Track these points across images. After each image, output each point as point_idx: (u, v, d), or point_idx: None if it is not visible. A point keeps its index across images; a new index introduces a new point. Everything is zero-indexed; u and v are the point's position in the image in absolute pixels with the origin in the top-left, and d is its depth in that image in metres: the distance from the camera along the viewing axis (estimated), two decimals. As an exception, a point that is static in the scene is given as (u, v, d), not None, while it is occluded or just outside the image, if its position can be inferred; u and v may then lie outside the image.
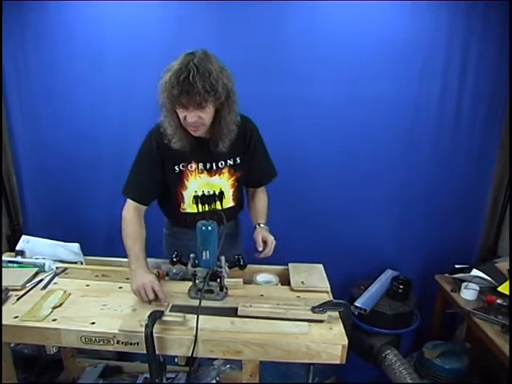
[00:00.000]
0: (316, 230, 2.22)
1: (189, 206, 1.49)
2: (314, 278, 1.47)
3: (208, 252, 1.25)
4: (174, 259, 1.30)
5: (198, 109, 1.22)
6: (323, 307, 1.21)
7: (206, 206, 1.50)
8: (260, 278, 1.51)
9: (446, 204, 2.18)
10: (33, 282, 1.37)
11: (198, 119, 1.25)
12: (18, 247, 1.58)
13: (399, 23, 1.92)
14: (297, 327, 1.16)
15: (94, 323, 1.15)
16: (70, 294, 1.30)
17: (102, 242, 2.18)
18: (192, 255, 1.29)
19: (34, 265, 1.48)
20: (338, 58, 1.97)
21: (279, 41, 1.96)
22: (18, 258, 1.53)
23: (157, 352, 1.11)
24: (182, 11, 1.93)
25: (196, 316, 1.11)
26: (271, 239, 1.49)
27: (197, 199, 1.48)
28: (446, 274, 1.97)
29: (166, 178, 1.43)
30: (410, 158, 2.12)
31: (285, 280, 1.52)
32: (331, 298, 1.38)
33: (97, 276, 1.42)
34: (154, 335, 1.09)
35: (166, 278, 1.46)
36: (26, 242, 1.59)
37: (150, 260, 1.54)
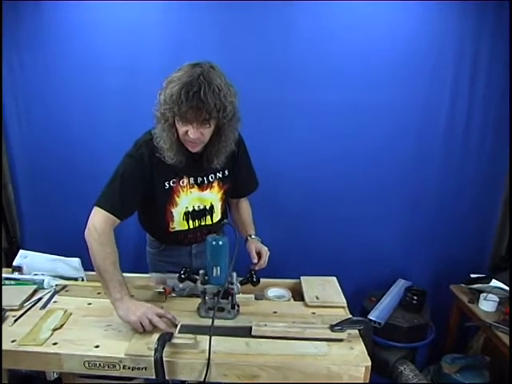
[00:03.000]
0: (325, 241, 2.15)
1: (179, 224, 1.42)
2: (328, 292, 1.40)
3: (219, 268, 1.17)
4: (183, 276, 1.22)
5: (202, 125, 1.15)
6: (342, 325, 1.13)
7: (197, 221, 1.43)
8: (271, 292, 1.44)
9: (457, 212, 2.11)
10: (31, 300, 1.29)
11: (200, 136, 1.18)
12: (15, 263, 1.50)
13: (408, 27, 1.87)
14: (316, 348, 1.08)
15: (97, 346, 1.07)
16: (70, 314, 1.22)
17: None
18: (201, 271, 1.22)
19: (33, 281, 1.40)
20: (345, 63, 1.92)
21: (284, 45, 1.90)
22: (16, 275, 1.44)
23: (167, 377, 1.03)
24: (183, 13, 1.86)
25: (208, 337, 1.03)
26: (265, 250, 1.44)
27: (187, 215, 1.40)
28: (462, 284, 1.90)
29: (150, 194, 1.32)
30: (419, 166, 2.06)
31: (297, 294, 1.45)
32: (348, 313, 1.31)
33: (99, 293, 1.33)
34: (164, 359, 1.01)
35: (173, 295, 1.38)
36: (23, 257, 1.51)
37: (154, 275, 1.48)
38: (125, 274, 1.48)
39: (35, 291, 1.34)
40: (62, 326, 1.15)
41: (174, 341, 1.05)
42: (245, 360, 1.04)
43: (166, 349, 1.03)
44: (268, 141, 2.02)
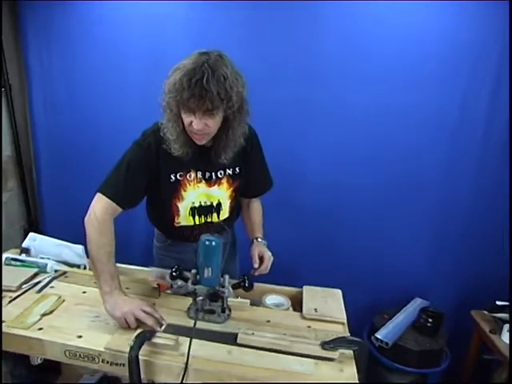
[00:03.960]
0: (339, 249, 2.06)
1: (184, 219, 1.38)
2: (329, 305, 1.32)
3: (210, 269, 1.13)
4: (174, 273, 1.19)
5: (206, 116, 1.10)
6: (335, 343, 1.05)
7: (203, 217, 1.39)
8: (270, 300, 1.38)
9: (487, 232, 1.94)
10: (30, 283, 1.31)
11: (205, 127, 1.13)
12: (24, 244, 1.53)
13: (444, 26, 1.72)
14: (302, 365, 1.01)
15: (80, 337, 1.06)
16: (63, 301, 1.22)
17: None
18: (193, 271, 1.18)
19: (37, 265, 1.42)
20: (375, 63, 1.80)
21: (311, 43, 1.82)
22: (23, 256, 1.48)
23: (142, 377, 1.00)
24: (208, 12, 1.84)
25: (193, 340, 1.00)
26: (268, 255, 1.38)
27: (194, 211, 1.36)
28: (485, 311, 1.74)
29: (156, 186, 1.30)
30: (451, 174, 1.90)
31: (297, 304, 1.37)
32: (346, 331, 1.22)
33: (95, 282, 1.33)
34: (141, 358, 0.98)
35: (168, 292, 1.35)
36: (32, 240, 1.54)
37: (154, 269, 1.46)
38: (126, 266, 1.50)
39: (36, 274, 1.36)
40: (51, 311, 1.16)
41: (155, 340, 1.02)
42: (224, 369, 0.99)
43: (145, 347, 1.00)
44: (289, 141, 1.96)
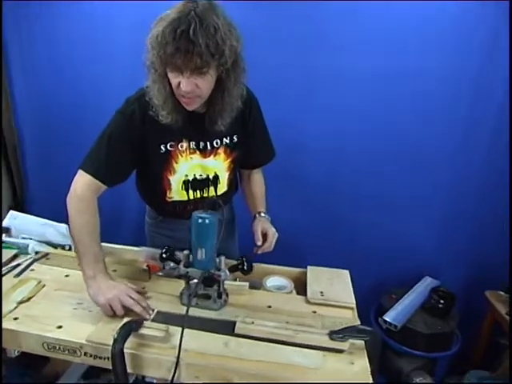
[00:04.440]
0: (345, 224, 1.93)
1: (177, 194, 1.25)
2: (336, 288, 1.20)
3: (204, 250, 1.00)
4: (164, 255, 1.07)
5: (196, 74, 0.95)
6: (345, 333, 0.94)
7: (198, 192, 1.26)
8: (271, 282, 1.26)
9: (501, 209, 1.79)
10: (8, 266, 1.19)
11: (195, 88, 0.98)
12: (4, 223, 1.41)
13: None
14: (306, 357, 0.90)
15: (60, 327, 0.95)
16: (43, 286, 1.11)
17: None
18: (185, 252, 1.06)
19: (17, 245, 1.30)
20: (382, 23, 1.62)
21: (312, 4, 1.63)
22: (3, 237, 1.36)
23: (129, 371, 0.90)
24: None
25: (186, 330, 0.89)
26: (272, 231, 1.26)
27: (187, 184, 1.23)
28: (501, 292, 1.63)
29: (144, 158, 1.16)
30: (463, 151, 1.75)
31: (301, 286, 1.26)
32: (356, 316, 1.11)
33: (80, 261, 1.21)
34: (127, 351, 0.87)
35: (160, 274, 1.24)
36: (13, 219, 1.41)
37: (145, 249, 1.34)
38: (114, 246, 1.38)
39: (15, 256, 1.25)
40: (30, 298, 1.04)
41: (143, 331, 0.91)
42: (220, 363, 0.88)
43: (131, 339, 0.89)
44: (291, 109, 1.80)
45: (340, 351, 0.94)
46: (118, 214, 1.98)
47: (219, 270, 1.03)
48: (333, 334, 0.94)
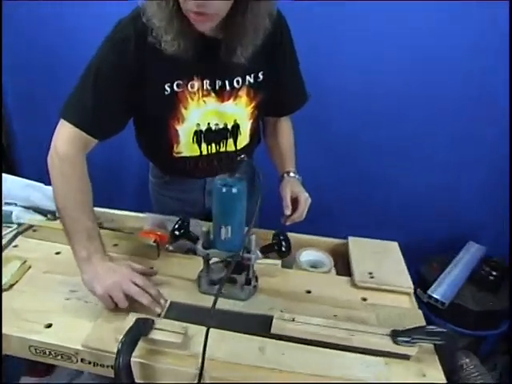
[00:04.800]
0: (371, 180, 1.68)
1: (187, 148, 1.00)
2: (387, 266, 0.98)
3: (230, 228, 0.77)
4: (177, 232, 0.83)
5: None
6: (412, 335, 0.73)
7: (213, 145, 1.01)
8: (305, 256, 1.04)
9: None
10: (-14, 241, 0.98)
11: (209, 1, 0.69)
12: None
13: None
14: (368, 368, 0.70)
15: (50, 326, 0.75)
16: (29, 268, 0.89)
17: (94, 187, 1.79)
18: (204, 229, 0.83)
19: (-2, 213, 1.08)
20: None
21: None
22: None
23: (140, 381, 0.71)
24: None
25: (205, 331, 0.68)
26: (305, 197, 1.02)
27: (199, 136, 0.98)
28: None
29: (143, 101, 0.89)
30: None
31: (340, 261, 1.05)
32: (414, 303, 0.90)
33: (69, 239, 0.99)
34: (134, 360, 0.67)
35: (170, 248, 1.02)
36: (-8, 180, 1.18)
37: (151, 216, 1.12)
38: (112, 212, 1.15)
39: (-5, 227, 1.03)
40: (12, 285, 0.83)
41: (153, 336, 0.70)
42: (254, 376, 0.68)
43: (141, 344, 0.69)
44: (319, 52, 1.47)
45: (405, 357, 0.73)
46: (114, 170, 1.72)
47: (249, 251, 0.81)
48: (397, 337, 0.73)
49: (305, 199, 1.03)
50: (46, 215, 1.11)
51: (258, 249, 0.81)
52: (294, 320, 0.76)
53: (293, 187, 1.04)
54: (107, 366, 0.71)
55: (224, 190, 0.73)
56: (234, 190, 0.73)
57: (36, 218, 1.08)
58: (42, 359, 0.73)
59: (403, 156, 1.64)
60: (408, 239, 1.70)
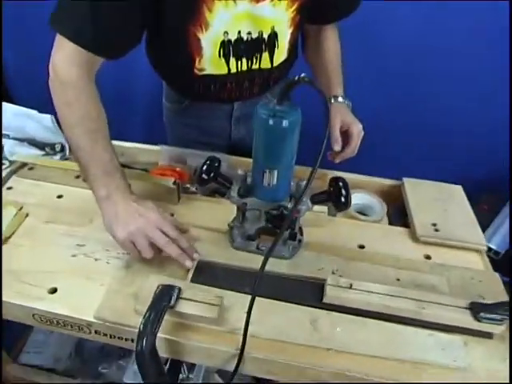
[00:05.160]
0: (414, 102, 1.45)
1: (212, 64, 0.80)
2: (453, 216, 0.82)
3: (276, 173, 0.59)
4: (205, 176, 0.66)
5: None
6: (498, 310, 0.59)
7: (245, 60, 0.80)
8: (353, 200, 0.87)
9: None
10: (-25, 181, 0.82)
11: None
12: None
13: None
14: (444, 350, 0.57)
15: (55, 291, 0.62)
16: (26, 216, 0.75)
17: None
18: (240, 172, 0.65)
19: (-13, 146, 0.91)
20: None
21: None
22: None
23: (166, 356, 0.59)
24: None
25: (243, 300, 0.55)
26: (358, 129, 0.83)
27: (227, 48, 0.77)
28: None
29: (158, 7, 0.67)
30: None
31: (391, 207, 0.88)
32: (487, 263, 0.75)
33: (78, 177, 0.83)
34: (161, 336, 0.55)
35: (193, 189, 0.86)
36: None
37: (166, 149, 0.94)
38: (121, 144, 0.97)
39: (-16, 164, 0.87)
40: (8, 238, 0.69)
41: (182, 309, 0.56)
42: (307, 358, 0.55)
43: (166, 317, 0.56)
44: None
45: (487, 336, 0.60)
46: (121, 94, 1.48)
47: (296, 202, 0.63)
48: (479, 311, 0.59)
49: (358, 131, 0.84)
50: (43, 149, 0.95)
51: (309, 198, 0.64)
52: (351, 287, 0.61)
53: (343, 116, 0.84)
54: (126, 339, 0.59)
55: (271, 122, 0.54)
56: (285, 123, 0.54)
57: (32, 153, 0.92)
58: (50, 328, 0.62)
59: (449, 82, 1.40)
60: (452, 175, 1.52)
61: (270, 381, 0.65)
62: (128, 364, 0.91)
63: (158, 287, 0.57)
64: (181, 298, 0.57)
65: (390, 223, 0.85)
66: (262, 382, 0.90)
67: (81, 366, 0.94)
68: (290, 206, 0.63)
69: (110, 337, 0.60)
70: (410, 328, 0.59)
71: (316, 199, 0.64)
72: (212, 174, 0.65)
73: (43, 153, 0.94)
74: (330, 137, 0.83)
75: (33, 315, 0.60)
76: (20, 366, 0.95)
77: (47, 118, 0.93)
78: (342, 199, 0.62)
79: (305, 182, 0.61)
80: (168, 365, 0.63)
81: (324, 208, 0.81)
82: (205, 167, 0.65)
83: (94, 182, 0.65)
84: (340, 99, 0.87)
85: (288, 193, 0.63)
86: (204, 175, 0.65)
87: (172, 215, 0.77)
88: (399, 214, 0.89)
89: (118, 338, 0.59)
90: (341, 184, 0.62)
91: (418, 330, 0.59)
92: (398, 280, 0.67)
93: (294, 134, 0.55)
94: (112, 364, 0.92)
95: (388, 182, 0.94)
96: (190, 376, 0.78)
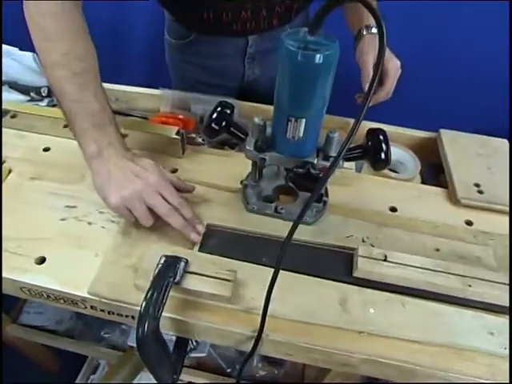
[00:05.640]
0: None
1: None
2: (498, 176, 0.71)
3: (303, 122, 0.48)
4: (215, 125, 0.54)
5: None
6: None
7: None
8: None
9: None
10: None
11: None
12: None
13: None
14: (493, 335, 0.49)
15: (42, 261, 0.53)
16: (9, 172, 0.65)
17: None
18: (257, 120, 0.53)
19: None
20: None
21: None
22: None
23: (172, 333, 0.52)
24: None
25: (261, 275, 0.48)
26: (395, 66, 0.71)
27: None
28: None
29: None
30: None
31: (424, 163, 0.77)
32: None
33: (66, 126, 0.72)
34: (166, 316, 0.48)
35: (199, 140, 0.75)
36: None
37: (168, 93, 0.82)
38: (117, 87, 0.84)
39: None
40: (-14, 197, 0.60)
41: (189, 285, 0.48)
42: (335, 342, 0.48)
43: (172, 294, 0.48)
44: None
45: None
46: (114, 29, 1.31)
47: (326, 156, 0.53)
48: (537, 289, 0.50)
49: (395, 69, 0.71)
50: (28, 94, 0.82)
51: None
52: (386, 259, 0.52)
53: (376, 50, 0.71)
54: (126, 316, 0.52)
55: (301, 56, 0.41)
56: (319, 59, 0.41)
57: (15, 99, 0.80)
58: (42, 301, 0.54)
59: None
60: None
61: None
62: (131, 329, 0.86)
63: (160, 258, 0.49)
64: (188, 271, 0.49)
65: (423, 183, 0.75)
66: None
67: (83, 329, 0.90)
68: (317, 162, 0.52)
69: (109, 313, 0.52)
70: (452, 308, 0.51)
71: (349, 155, 0.53)
72: (224, 123, 0.54)
73: (28, 98, 0.82)
74: (361, 75, 0.70)
75: (21, 288, 0.53)
76: (20, 326, 0.91)
77: (27, 56, 0.81)
78: (382, 155, 0.51)
79: (337, 134, 0.50)
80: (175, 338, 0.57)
81: (351, 164, 0.70)
82: (215, 115, 0.53)
83: (81, 137, 0.54)
84: (374, 30, 0.73)
85: (315, 147, 0.53)
86: (214, 125, 0.53)
87: (175, 171, 0.67)
88: (432, 173, 0.79)
89: (118, 314, 0.52)
90: (381, 137, 0.51)
91: (462, 311, 0.51)
92: (438, 250, 0.58)
93: (330, 72, 0.43)
94: (115, 329, 0.88)
95: (421, 133, 0.82)
96: (198, 346, 0.74)
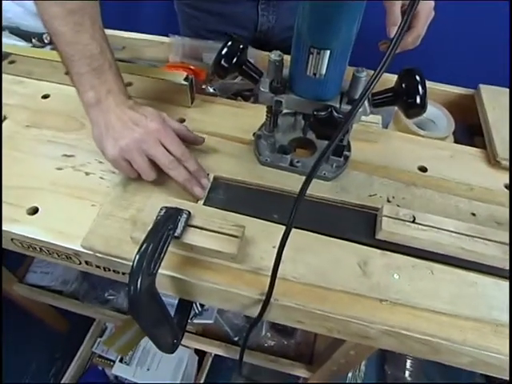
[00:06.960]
0: None
1: None
2: (546, 135, 0.62)
3: (327, 55, 0.40)
4: (225, 62, 0.47)
5: None
6: None
7: None
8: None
9: None
10: None
11: None
12: None
13: None
14: (538, 308, 0.43)
15: (35, 212, 0.49)
16: (5, 118, 0.60)
17: None
18: (273, 56, 0.45)
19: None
20: None
21: None
22: None
23: (171, 294, 0.48)
24: None
25: (272, 232, 0.43)
26: (427, 6, 0.63)
27: None
28: None
29: None
30: None
31: (459, 121, 0.69)
32: None
33: (68, 73, 0.66)
34: (164, 273, 0.43)
35: (209, 89, 0.69)
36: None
37: (178, 39, 0.75)
38: (121, 34, 0.78)
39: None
40: (-20, 143, 0.56)
41: (191, 240, 0.43)
42: (354, 311, 0.42)
43: (172, 248, 0.43)
44: None
45: None
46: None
47: (351, 100, 0.46)
48: None
49: (427, 10, 0.62)
50: (30, 40, 0.77)
51: (369, 99, 0.46)
52: (414, 220, 0.46)
53: None
54: (123, 273, 0.47)
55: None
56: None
57: (15, 44, 0.75)
58: (34, 254, 0.50)
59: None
60: None
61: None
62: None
63: (161, 210, 0.44)
64: (190, 225, 0.43)
65: (457, 142, 0.67)
66: None
67: (88, 290, 0.88)
68: (340, 106, 0.45)
69: (104, 269, 0.48)
70: (489, 279, 0.45)
71: (378, 100, 0.46)
72: (235, 60, 0.47)
73: (30, 45, 0.77)
74: (387, 17, 0.62)
75: (11, 239, 0.49)
76: (26, 285, 0.89)
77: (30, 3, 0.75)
78: (418, 99, 0.43)
79: (365, 74, 0.43)
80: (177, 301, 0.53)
81: (377, 117, 0.63)
82: (225, 50, 0.47)
83: (78, 83, 0.49)
84: None
85: (339, 89, 0.46)
86: (224, 62, 0.47)
87: (182, 121, 0.61)
88: (467, 134, 0.71)
89: (114, 271, 0.48)
90: (418, 78, 0.43)
91: (500, 282, 0.45)
92: (474, 215, 0.51)
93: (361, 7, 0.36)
94: (120, 291, 0.85)
95: (456, 89, 0.73)
96: (205, 313, 0.70)
